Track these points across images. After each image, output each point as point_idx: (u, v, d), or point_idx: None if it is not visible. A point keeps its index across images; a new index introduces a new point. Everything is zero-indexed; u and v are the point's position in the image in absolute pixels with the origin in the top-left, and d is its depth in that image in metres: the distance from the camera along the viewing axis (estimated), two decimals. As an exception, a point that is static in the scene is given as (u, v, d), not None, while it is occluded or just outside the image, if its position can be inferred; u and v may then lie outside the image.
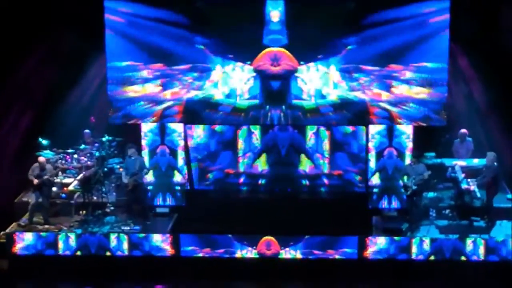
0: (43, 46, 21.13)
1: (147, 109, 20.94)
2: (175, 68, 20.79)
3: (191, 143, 21.56)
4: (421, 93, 20.38)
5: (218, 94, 20.81)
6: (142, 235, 19.27)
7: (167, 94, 20.85)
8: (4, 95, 21.20)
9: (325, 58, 20.50)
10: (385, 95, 20.53)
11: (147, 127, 20.97)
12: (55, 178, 20.17)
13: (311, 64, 20.59)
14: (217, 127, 21.57)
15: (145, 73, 20.80)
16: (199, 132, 21.66)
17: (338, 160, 21.59)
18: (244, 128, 21.54)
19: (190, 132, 21.50)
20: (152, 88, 20.87)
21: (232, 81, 20.81)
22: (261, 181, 21.66)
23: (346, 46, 20.39)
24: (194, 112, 20.91)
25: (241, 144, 21.64)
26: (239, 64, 20.75)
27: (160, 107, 20.88)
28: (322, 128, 21.42)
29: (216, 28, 20.51)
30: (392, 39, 20.24)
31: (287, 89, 20.74)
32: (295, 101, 20.73)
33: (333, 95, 20.64)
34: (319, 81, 20.68)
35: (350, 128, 21.36)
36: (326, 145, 21.57)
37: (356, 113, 20.60)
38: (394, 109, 20.52)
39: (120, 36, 20.67)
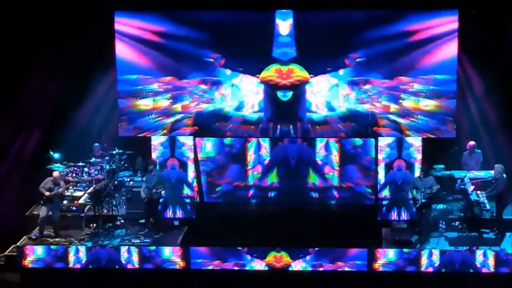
0: (54, 59, 21.22)
1: (157, 122, 20.98)
2: (185, 81, 20.86)
3: (200, 156, 21.60)
4: (429, 105, 20.38)
5: (228, 107, 20.90)
6: (153, 248, 19.28)
7: (177, 107, 20.92)
8: (15, 109, 21.28)
9: (334, 70, 20.56)
10: (393, 107, 20.54)
11: (157, 140, 21.02)
12: (66, 192, 20.21)
13: (320, 77, 20.66)
14: (226, 140, 21.61)
15: (155, 86, 20.87)
16: (208, 144, 21.69)
17: (348, 172, 21.56)
18: (254, 140, 21.58)
19: (199, 144, 21.52)
20: (162, 101, 20.94)
21: (241, 93, 20.90)
22: (271, 194, 21.67)
23: (355, 59, 20.45)
24: (204, 125, 20.97)
25: (250, 157, 21.68)
26: (249, 76, 20.82)
27: (170, 120, 20.94)
28: (331, 140, 21.43)
29: (226, 42, 20.60)
30: (400, 52, 20.27)
31: (299, 102, 20.78)
32: (304, 114, 20.83)
33: (342, 107, 20.70)
34: (328, 93, 20.75)
35: (359, 140, 21.35)
36: (335, 157, 21.56)
37: (365, 125, 20.62)
38: (402, 121, 20.52)
39: (130, 49, 20.74)
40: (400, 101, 20.53)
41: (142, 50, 20.75)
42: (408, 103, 20.52)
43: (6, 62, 20.85)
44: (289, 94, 20.79)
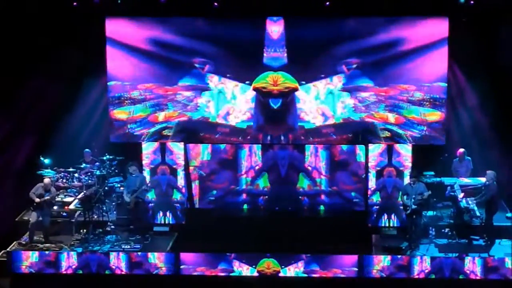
0: (44, 66, 21.17)
1: (147, 129, 20.99)
2: (168, 88, 20.85)
3: (191, 161, 21.62)
4: (419, 112, 20.44)
5: (215, 115, 20.88)
6: (143, 253, 19.24)
7: (167, 114, 20.95)
8: (6, 114, 21.25)
9: (327, 77, 20.59)
10: (384, 115, 20.60)
11: (148, 146, 21.01)
12: (56, 198, 20.19)
13: (313, 84, 20.69)
14: (218, 146, 21.62)
15: (146, 93, 20.89)
16: (198, 151, 21.71)
17: (338, 179, 21.62)
18: (245, 147, 21.61)
19: (190, 150, 21.54)
20: (152, 108, 20.95)
21: (229, 101, 20.90)
22: (261, 200, 21.70)
23: (348, 65, 20.49)
24: (194, 132, 20.97)
25: (242, 163, 21.70)
26: (238, 83, 20.84)
27: (160, 127, 20.97)
28: (322, 147, 21.46)
29: (216, 48, 20.62)
30: (390, 60, 20.34)
31: (289, 110, 20.80)
32: (296, 123, 20.85)
33: (334, 115, 20.73)
34: (321, 102, 20.76)
35: (350, 147, 21.41)
36: (326, 164, 21.60)
37: (356, 132, 20.66)
38: (393, 128, 20.58)
39: (121, 56, 20.77)
40: (389, 108, 20.61)
41: (133, 57, 20.83)
42: (397, 110, 20.58)
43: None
44: (279, 102, 20.83)
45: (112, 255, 19.12)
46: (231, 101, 21.01)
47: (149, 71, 20.85)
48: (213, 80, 20.89)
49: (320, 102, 20.82)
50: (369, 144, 20.59)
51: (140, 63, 20.80)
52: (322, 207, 21.56)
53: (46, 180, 19.82)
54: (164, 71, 20.86)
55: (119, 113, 21.05)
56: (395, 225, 20.40)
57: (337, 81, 20.65)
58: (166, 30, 20.72)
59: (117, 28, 20.73)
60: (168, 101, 20.96)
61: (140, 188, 19.80)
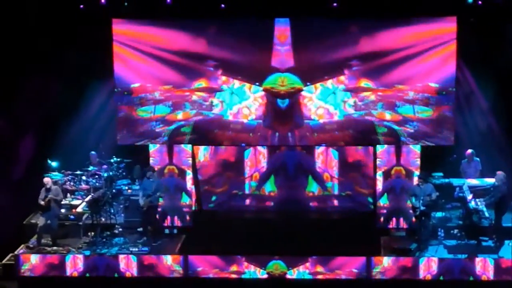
0: (52, 68, 21.19)
1: (156, 131, 20.95)
2: (184, 89, 20.82)
3: (198, 164, 21.59)
4: (428, 113, 20.37)
5: (226, 114, 20.85)
6: (151, 256, 19.22)
7: (177, 115, 20.89)
8: (13, 116, 21.26)
9: (331, 78, 20.53)
10: (391, 116, 20.52)
11: (156, 148, 20.99)
12: (61, 197, 20.14)
13: (318, 85, 20.64)
14: (224, 148, 21.58)
15: (154, 95, 20.84)
16: (205, 153, 21.67)
17: (347, 180, 21.60)
18: (250, 148, 21.56)
19: (197, 152, 21.52)
20: (161, 110, 20.91)
21: (240, 101, 20.86)
22: (269, 202, 21.66)
23: (352, 67, 20.41)
24: (204, 132, 20.93)
25: (247, 165, 21.65)
26: (248, 84, 20.81)
27: (169, 128, 20.91)
28: (330, 148, 21.44)
29: (226, 50, 20.57)
30: (398, 60, 20.25)
31: (296, 110, 20.77)
32: (302, 121, 20.81)
33: (339, 115, 20.67)
34: (325, 101, 20.72)
35: (358, 148, 21.34)
36: (334, 165, 21.58)
37: (362, 132, 20.61)
38: (400, 129, 20.50)
39: (129, 57, 20.71)
40: (398, 109, 20.53)
41: (142, 58, 20.72)
42: (406, 111, 20.50)
43: (4, 69, 20.82)
44: (286, 101, 20.79)
45: (120, 258, 19.09)
46: (244, 101, 20.94)
47: (157, 73, 20.76)
48: (225, 81, 20.81)
49: (324, 101, 20.74)
50: (378, 145, 20.57)
51: (148, 65, 20.70)
52: (330, 209, 21.51)
53: (45, 180, 19.82)
54: (179, 74, 20.76)
55: (127, 115, 20.96)
56: (404, 226, 20.33)
57: (341, 81, 20.55)
58: (173, 33, 20.64)
59: (125, 30, 20.65)
60: (185, 102, 20.85)
61: (155, 193, 19.77)
